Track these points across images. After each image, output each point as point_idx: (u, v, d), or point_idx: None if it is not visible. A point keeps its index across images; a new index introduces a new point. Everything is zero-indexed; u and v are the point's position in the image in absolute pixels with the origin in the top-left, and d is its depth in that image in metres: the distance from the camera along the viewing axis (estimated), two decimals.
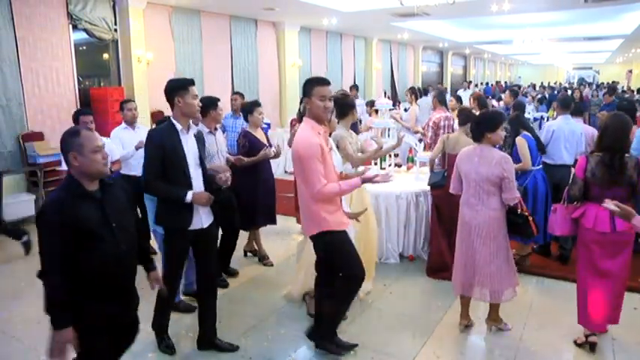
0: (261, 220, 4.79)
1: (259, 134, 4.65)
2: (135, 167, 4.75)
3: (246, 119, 4.75)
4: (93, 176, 2.20)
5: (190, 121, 3.18)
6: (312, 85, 2.99)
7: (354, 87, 10.85)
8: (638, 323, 3.70)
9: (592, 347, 3.30)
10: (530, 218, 3.32)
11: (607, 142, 3.13)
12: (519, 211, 3.31)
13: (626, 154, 3.12)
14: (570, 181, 3.44)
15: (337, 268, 3.12)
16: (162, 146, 3.03)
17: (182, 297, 4.00)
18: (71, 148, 2.16)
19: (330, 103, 3.02)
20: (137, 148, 4.72)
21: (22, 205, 6.39)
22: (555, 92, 16.98)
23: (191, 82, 3.12)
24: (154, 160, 3.04)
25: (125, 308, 2.39)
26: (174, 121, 3.09)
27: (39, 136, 6.88)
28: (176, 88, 3.07)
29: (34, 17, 6.92)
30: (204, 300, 3.36)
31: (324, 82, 3.02)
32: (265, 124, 6.38)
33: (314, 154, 2.85)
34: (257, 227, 4.93)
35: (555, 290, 4.27)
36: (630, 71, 28.88)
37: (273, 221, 4.88)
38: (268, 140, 4.76)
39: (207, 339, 3.38)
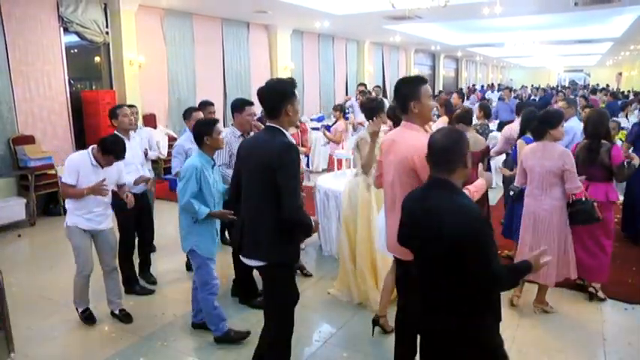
0: None
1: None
2: (130, 184, 4.41)
3: None
4: None
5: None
6: (418, 85, 2.54)
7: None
8: (629, 324, 3.74)
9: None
10: (596, 204, 3.59)
11: (589, 131, 3.95)
12: (584, 198, 3.56)
13: (603, 141, 3.87)
14: None
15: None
16: None
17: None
18: None
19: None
20: (136, 183, 4.18)
21: (12, 209, 6.34)
22: (547, 94, 17.08)
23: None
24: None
25: None
26: (284, 131, 2.60)
27: (30, 140, 6.82)
28: (289, 94, 2.61)
29: (25, 20, 6.88)
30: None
31: (426, 80, 2.66)
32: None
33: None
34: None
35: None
36: (620, 74, 29.16)
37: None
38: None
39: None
